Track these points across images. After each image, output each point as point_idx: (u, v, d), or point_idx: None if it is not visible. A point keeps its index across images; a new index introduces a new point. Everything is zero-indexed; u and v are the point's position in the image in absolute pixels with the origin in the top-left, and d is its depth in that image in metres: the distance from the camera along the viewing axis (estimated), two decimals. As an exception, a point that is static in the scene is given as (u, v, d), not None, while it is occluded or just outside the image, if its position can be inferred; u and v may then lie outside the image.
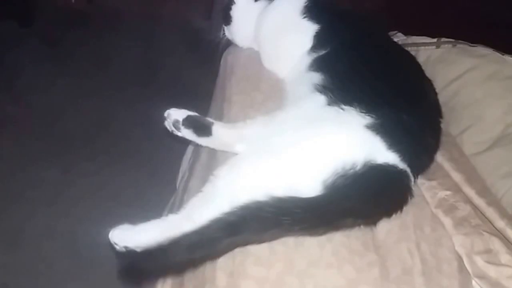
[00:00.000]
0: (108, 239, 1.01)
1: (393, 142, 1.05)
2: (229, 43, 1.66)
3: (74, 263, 1.78)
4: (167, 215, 1.16)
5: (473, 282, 1.02)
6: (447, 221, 1.11)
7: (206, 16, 3.12)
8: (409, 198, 1.07)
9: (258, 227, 0.92)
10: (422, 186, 1.19)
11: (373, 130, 1.06)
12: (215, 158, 1.22)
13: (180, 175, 1.77)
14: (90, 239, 1.49)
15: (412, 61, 1.38)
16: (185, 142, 1.29)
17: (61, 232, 1.86)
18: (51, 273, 1.75)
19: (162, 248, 0.90)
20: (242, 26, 1.57)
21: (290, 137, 1.07)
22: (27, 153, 2.17)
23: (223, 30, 1.64)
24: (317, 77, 1.22)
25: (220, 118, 1.31)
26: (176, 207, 1.39)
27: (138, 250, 1.02)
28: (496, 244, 1.05)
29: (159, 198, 1.81)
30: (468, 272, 1.03)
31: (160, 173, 2.09)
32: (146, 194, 2.02)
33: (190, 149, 1.75)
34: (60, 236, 1.85)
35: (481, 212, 1.15)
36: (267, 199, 0.92)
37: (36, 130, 2.30)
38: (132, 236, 1.02)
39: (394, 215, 1.05)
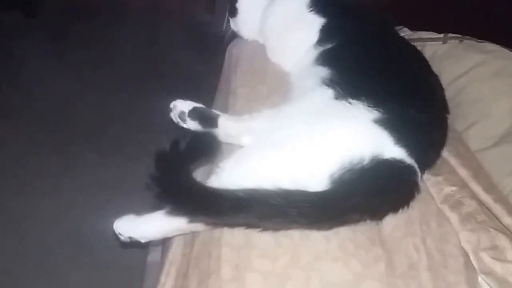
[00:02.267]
0: (113, 229, 1.01)
1: (401, 137, 1.05)
2: (234, 36, 1.66)
3: (77, 252, 1.79)
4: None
5: (479, 279, 1.02)
6: (453, 217, 1.11)
7: (209, 9, 3.11)
8: (416, 193, 1.06)
9: (264, 212, 0.92)
10: (428, 181, 1.19)
11: (380, 125, 1.05)
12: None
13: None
14: (94, 229, 1.50)
15: (419, 56, 1.38)
16: (188, 133, 1.29)
17: (65, 221, 1.87)
18: (54, 262, 1.76)
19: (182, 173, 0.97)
20: (248, 18, 1.56)
21: (297, 131, 1.06)
22: (31, 143, 2.18)
23: (229, 22, 1.63)
24: (323, 71, 1.21)
25: (225, 110, 1.30)
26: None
27: (143, 241, 1.03)
28: (503, 241, 1.05)
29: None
30: (474, 268, 1.03)
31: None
32: (149, 185, 2.01)
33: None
34: (64, 226, 1.86)
35: (487, 209, 1.14)
36: (275, 190, 0.92)
37: (40, 121, 2.30)
38: (137, 226, 1.02)
39: (400, 210, 1.05)
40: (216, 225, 0.97)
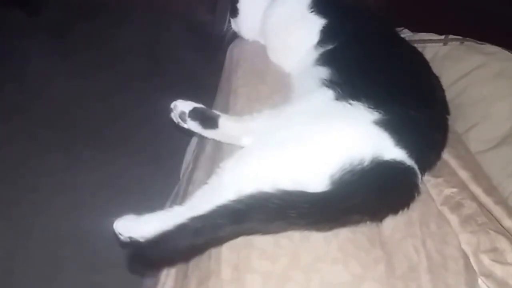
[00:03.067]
0: (113, 229, 1.01)
1: (401, 139, 1.05)
2: (235, 36, 1.66)
3: (77, 251, 1.80)
4: (170, 205, 1.16)
5: (479, 281, 1.02)
6: (453, 219, 1.11)
7: (211, 9, 3.11)
8: (416, 195, 1.06)
9: (264, 218, 0.91)
10: (428, 183, 1.19)
11: (381, 126, 1.05)
12: (220, 150, 1.22)
13: (184, 166, 1.77)
14: (94, 228, 1.49)
15: (419, 57, 1.37)
16: (189, 133, 1.29)
17: (65, 220, 1.88)
18: (54, 261, 1.77)
19: (167, 234, 0.91)
20: (249, 19, 1.56)
21: (297, 131, 1.06)
22: (33, 142, 2.19)
23: (230, 23, 1.63)
24: (324, 72, 1.21)
25: (225, 111, 1.30)
26: (180, 198, 1.39)
27: (142, 240, 1.02)
28: (503, 243, 1.05)
29: (163, 188, 1.83)
30: (474, 271, 1.03)
31: (164, 164, 2.10)
32: (150, 184, 2.04)
33: (194, 140, 1.75)
34: (64, 225, 1.86)
35: (487, 211, 1.14)
36: (274, 191, 0.92)
37: (42, 120, 2.31)
38: (137, 226, 1.01)
39: (400, 212, 1.05)
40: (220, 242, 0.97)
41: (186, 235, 0.91)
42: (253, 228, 0.93)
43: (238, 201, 0.92)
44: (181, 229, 0.92)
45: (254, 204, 0.92)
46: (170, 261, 0.96)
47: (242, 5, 1.55)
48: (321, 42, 1.35)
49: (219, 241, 0.95)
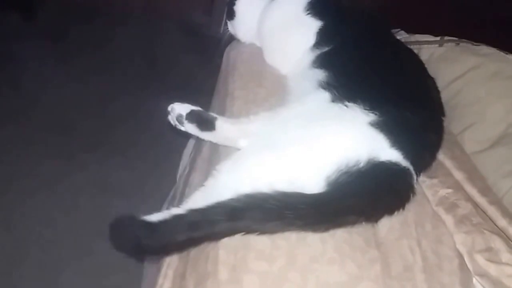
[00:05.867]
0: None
1: (396, 140, 1.05)
2: (231, 39, 1.66)
3: (76, 253, 1.79)
4: (167, 208, 1.16)
5: (474, 280, 1.03)
6: (448, 219, 1.11)
7: (207, 12, 3.12)
8: (411, 196, 1.07)
9: (261, 217, 0.92)
10: (423, 183, 1.20)
11: (376, 128, 1.06)
12: (217, 152, 1.22)
13: (181, 168, 1.77)
14: (92, 230, 1.49)
15: (415, 59, 1.38)
16: (186, 135, 1.29)
17: (64, 223, 1.88)
18: (53, 263, 1.76)
19: (165, 222, 0.93)
20: (245, 21, 1.57)
21: (294, 133, 1.07)
22: (31, 145, 2.19)
23: (226, 25, 1.64)
24: (320, 74, 1.22)
25: (222, 113, 1.31)
26: (177, 201, 1.40)
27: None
28: (497, 243, 1.05)
29: (159, 190, 1.83)
30: (469, 270, 1.03)
31: (160, 166, 2.10)
32: (146, 186, 2.04)
33: (191, 142, 1.75)
34: (63, 227, 1.87)
35: (482, 211, 1.15)
36: (271, 192, 0.93)
37: (40, 123, 2.31)
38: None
39: (396, 213, 1.05)
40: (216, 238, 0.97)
41: (182, 227, 0.92)
42: (249, 227, 0.93)
43: (236, 199, 0.92)
44: (178, 220, 0.93)
45: (252, 203, 0.92)
46: (163, 249, 0.97)
47: (238, 8, 1.56)
48: (317, 44, 1.36)
49: (214, 237, 0.95)
